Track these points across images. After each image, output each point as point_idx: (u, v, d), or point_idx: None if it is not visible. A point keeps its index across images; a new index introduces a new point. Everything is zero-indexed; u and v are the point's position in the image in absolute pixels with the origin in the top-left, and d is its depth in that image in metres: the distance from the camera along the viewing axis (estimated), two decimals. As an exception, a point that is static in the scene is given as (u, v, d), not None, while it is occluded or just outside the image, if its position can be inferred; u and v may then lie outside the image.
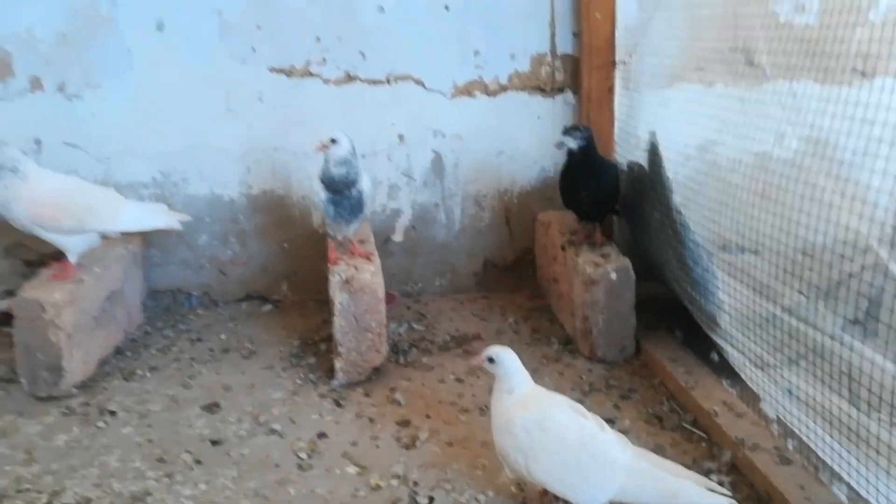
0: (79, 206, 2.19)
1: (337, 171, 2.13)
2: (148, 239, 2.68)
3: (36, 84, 2.56)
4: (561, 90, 2.71)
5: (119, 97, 2.59)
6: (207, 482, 1.78)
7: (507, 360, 1.53)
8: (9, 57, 2.52)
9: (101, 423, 2.06)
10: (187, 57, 2.57)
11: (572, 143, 2.21)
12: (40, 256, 2.75)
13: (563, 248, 2.41)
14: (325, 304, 2.80)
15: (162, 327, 2.68)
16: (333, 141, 2.12)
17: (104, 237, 2.35)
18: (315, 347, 2.49)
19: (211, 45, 2.56)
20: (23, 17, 2.49)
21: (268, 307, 2.84)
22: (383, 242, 2.77)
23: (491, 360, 1.54)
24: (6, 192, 2.07)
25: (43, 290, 2.15)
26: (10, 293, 2.70)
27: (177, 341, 2.57)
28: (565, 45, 2.67)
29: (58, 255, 2.51)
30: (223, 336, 2.60)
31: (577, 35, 2.66)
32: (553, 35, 2.65)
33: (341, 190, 2.15)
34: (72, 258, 2.25)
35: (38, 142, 2.60)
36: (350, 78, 2.64)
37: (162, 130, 2.64)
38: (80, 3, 2.49)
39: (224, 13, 2.53)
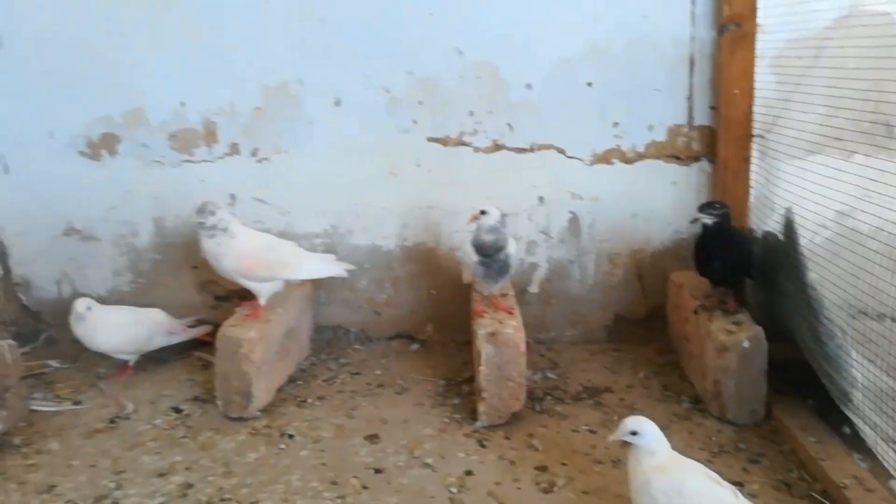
0: (272, 260, 2.62)
1: (487, 238, 2.41)
2: (317, 282, 3.08)
3: (234, 149, 3.05)
4: (697, 159, 2.86)
5: (300, 161, 3.03)
6: (374, 506, 2.10)
7: (649, 432, 1.71)
8: (215, 127, 3.03)
9: (282, 445, 2.44)
10: (358, 128, 2.97)
11: (707, 220, 2.36)
12: (227, 292, 3.25)
13: (695, 312, 2.55)
14: (465, 345, 3.10)
15: (325, 359, 3.08)
16: (483, 212, 2.41)
17: (287, 283, 2.79)
18: (458, 388, 2.77)
19: (379, 118, 2.94)
20: (228, 94, 2.98)
21: (415, 346, 3.17)
22: (520, 293, 3.01)
23: (634, 433, 1.72)
24: (218, 248, 2.52)
25: (240, 329, 2.57)
26: (202, 322, 3.22)
27: (339, 374, 2.95)
28: (702, 118, 2.82)
29: (244, 294, 2.98)
30: (378, 372, 2.95)
31: (714, 108, 2.81)
32: (691, 108, 2.81)
33: (490, 254, 2.43)
34: (262, 301, 2.68)
35: (233, 196, 3.09)
36: (497, 146, 2.93)
37: (333, 190, 3.06)
38: (274, 83, 2.95)
39: (392, 91, 2.91)
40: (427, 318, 3.19)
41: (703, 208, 2.39)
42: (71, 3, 2.91)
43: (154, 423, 2.61)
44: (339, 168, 3.03)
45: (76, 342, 3.28)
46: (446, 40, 2.83)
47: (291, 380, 2.87)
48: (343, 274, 2.86)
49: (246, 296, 3.20)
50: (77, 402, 2.79)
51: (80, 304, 2.84)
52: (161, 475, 2.28)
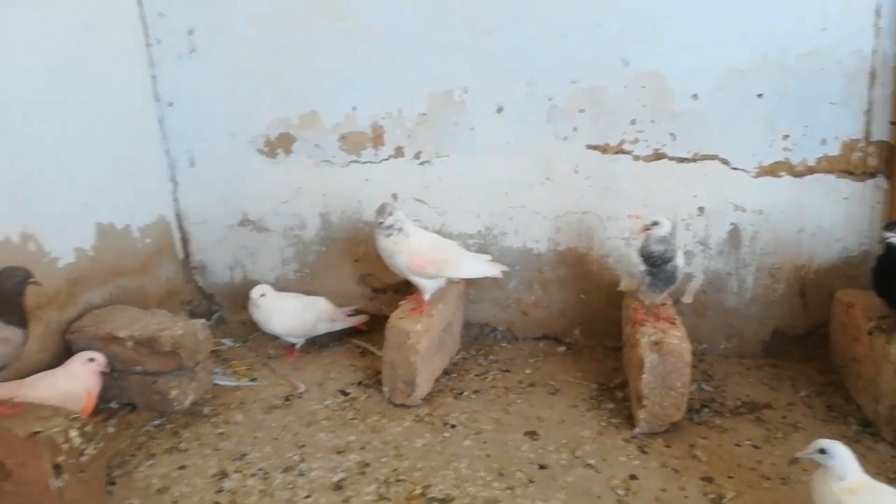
0: (439, 259, 2.77)
1: (656, 249, 2.45)
2: (469, 280, 3.21)
3: (398, 152, 3.23)
4: (872, 175, 2.76)
5: (460, 165, 3.17)
6: (543, 500, 2.19)
7: (841, 454, 1.70)
8: (382, 130, 3.21)
9: (446, 434, 2.58)
10: (518, 134, 3.07)
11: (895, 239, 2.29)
12: (384, 285, 3.45)
13: (870, 333, 2.47)
14: (613, 350, 3.15)
15: (475, 355, 3.21)
16: (655, 223, 2.45)
17: (448, 280, 2.94)
18: (611, 394, 2.82)
19: (539, 125, 3.03)
20: (396, 101, 3.16)
21: (562, 348, 3.25)
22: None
23: (822, 451, 1.72)
24: (393, 246, 2.70)
25: (408, 322, 2.74)
26: (359, 311, 3.43)
27: (490, 370, 3.07)
28: (881, 133, 2.72)
29: (398, 288, 3.17)
30: (528, 371, 3.05)
31: (894, 123, 2.70)
32: (869, 123, 2.72)
33: (658, 265, 2.46)
34: (426, 296, 2.83)
35: (395, 196, 3.27)
36: (658, 155, 2.95)
37: (490, 193, 3.18)
38: (440, 91, 3.10)
39: (554, 99, 2.98)
40: (575, 322, 3.25)
41: (892, 227, 2.32)
42: (259, 15, 3.18)
43: (325, 403, 2.83)
44: (496, 172, 3.14)
45: (243, 323, 3.61)
46: (613, 51, 2.87)
47: (446, 372, 3.02)
48: (498, 274, 2.97)
49: (400, 290, 3.40)
50: (253, 379, 3.06)
51: (256, 292, 3.10)
52: (339, 452, 2.49)
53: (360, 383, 2.98)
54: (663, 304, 2.69)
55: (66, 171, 2.90)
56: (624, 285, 2.75)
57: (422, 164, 3.22)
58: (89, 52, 3.00)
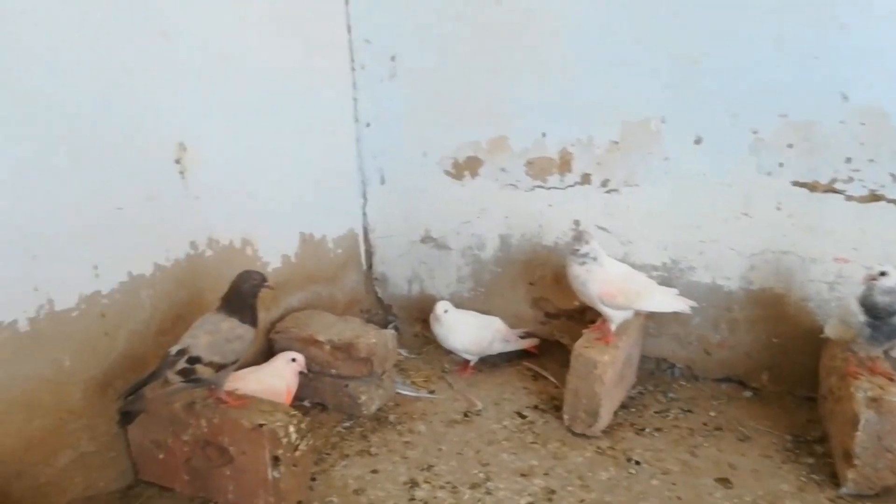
0: (631, 290, 2.74)
1: (881, 300, 2.28)
2: (651, 313, 3.14)
3: (585, 179, 3.24)
4: None
5: (649, 194, 3.12)
6: (745, 553, 2.10)
7: None
8: (570, 157, 3.24)
9: (631, 470, 2.54)
10: (716, 166, 2.97)
11: None
12: (557, 311, 3.46)
13: None
14: (806, 400, 2.95)
15: (653, 391, 3.13)
16: (883, 273, 2.28)
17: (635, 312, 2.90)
18: (809, 447, 2.65)
19: (740, 158, 2.92)
20: (588, 129, 3.17)
21: (748, 393, 3.09)
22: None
23: None
24: (587, 275, 2.71)
25: (595, 352, 2.73)
26: (530, 334, 3.46)
27: (670, 408, 2.98)
28: None
29: (574, 315, 3.16)
30: (712, 413, 2.93)
31: None
32: None
33: (882, 317, 2.29)
34: (613, 326, 2.81)
35: (576, 222, 3.28)
36: (875, 196, 2.74)
37: (680, 224, 3.10)
38: (636, 120, 3.07)
39: (759, 132, 2.87)
40: (762, 366, 3.09)
41: None
42: (458, 43, 3.31)
43: (503, 423, 2.88)
44: (688, 204, 3.06)
45: (416, 335, 3.76)
46: (830, 84, 2.71)
47: (623, 406, 2.97)
48: (686, 310, 2.89)
49: (573, 316, 3.40)
50: (431, 392, 3.18)
51: (440, 307, 3.22)
52: (523, 475, 2.52)
53: (535, 407, 3.00)
54: (878, 358, 2.50)
55: (279, 185, 3.17)
56: (831, 332, 2.58)
57: (609, 192, 3.20)
58: (304, 76, 3.28)
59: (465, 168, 3.47)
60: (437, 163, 3.53)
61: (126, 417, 2.23)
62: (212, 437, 2.34)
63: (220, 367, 2.27)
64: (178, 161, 2.65)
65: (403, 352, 3.57)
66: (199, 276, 2.77)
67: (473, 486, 2.46)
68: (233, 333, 2.29)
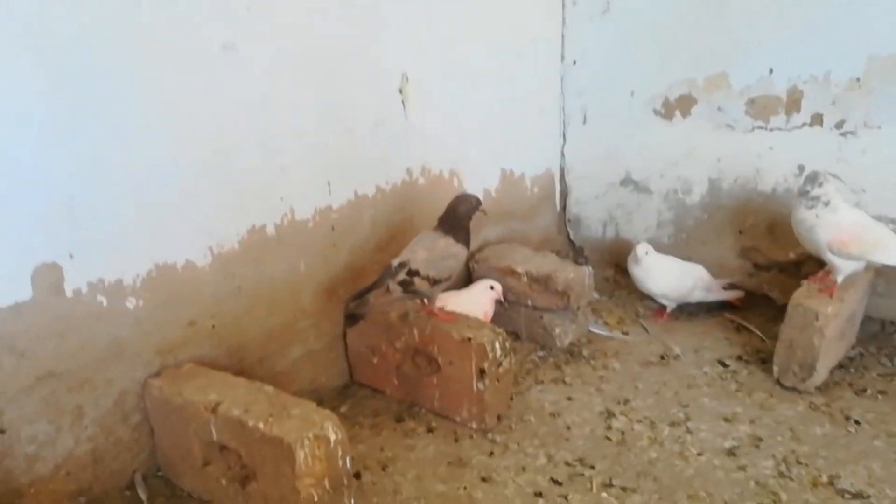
0: (867, 239, 2.49)
1: None
2: (881, 270, 2.84)
3: (815, 120, 2.96)
4: None
5: (893, 137, 2.79)
6: None
7: None
8: (801, 95, 2.97)
9: (850, 429, 2.36)
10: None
11: None
12: (769, 262, 3.24)
13: None
14: None
15: (875, 353, 2.85)
16: None
17: (868, 265, 2.64)
18: None
19: None
20: (825, 64, 2.88)
21: None
22: None
23: None
24: (815, 220, 2.50)
25: (817, 302, 2.53)
26: (734, 286, 3.28)
27: (896, 372, 2.72)
28: None
29: (788, 267, 2.93)
30: (948, 383, 2.63)
31: None
32: None
33: None
34: (839, 278, 2.58)
35: (801, 167, 3.02)
36: None
37: (929, 173, 2.76)
38: (884, 54, 2.74)
39: None
40: None
41: None
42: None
43: (703, 370, 2.79)
44: (943, 150, 2.71)
45: (607, 279, 3.71)
46: None
47: (841, 365, 2.75)
48: (929, 268, 2.58)
49: (787, 269, 3.17)
50: (625, 333, 3.15)
51: (641, 249, 3.15)
52: (726, 420, 2.43)
53: (739, 357, 2.86)
54: None
55: (485, 121, 3.24)
56: None
57: (843, 134, 2.90)
58: (516, 12, 3.30)
59: (676, 107, 3.32)
60: (646, 102, 3.41)
61: (352, 319, 2.45)
62: (422, 346, 2.51)
63: (434, 282, 2.41)
64: (400, 91, 2.80)
65: (595, 294, 3.54)
66: (412, 201, 2.94)
67: (673, 424, 2.42)
68: (448, 251, 2.42)
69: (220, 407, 1.91)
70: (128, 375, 2.09)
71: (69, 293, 1.92)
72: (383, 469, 2.22)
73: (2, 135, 1.73)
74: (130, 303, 2.06)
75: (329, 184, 2.60)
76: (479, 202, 2.48)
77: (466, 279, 3.19)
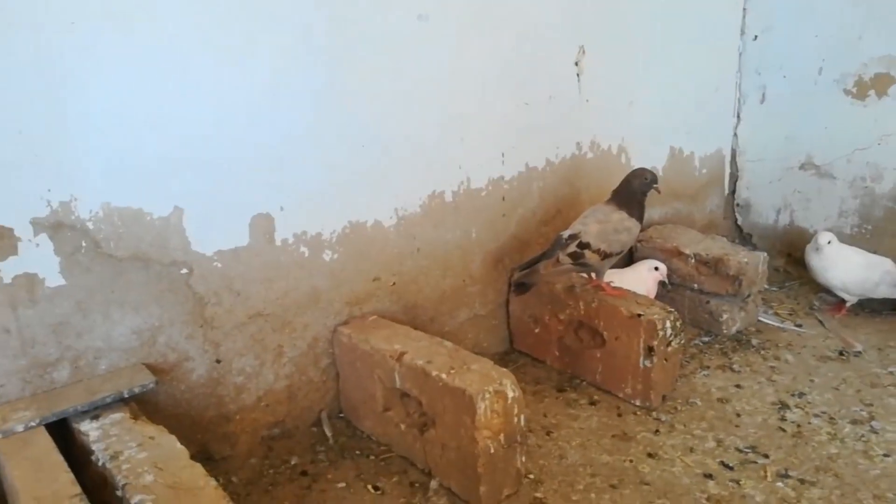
0: None
1: None
2: None
3: None
4: None
5: None
6: None
7: None
8: None
9: None
10: None
11: None
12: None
13: None
14: None
15: None
16: None
17: None
18: None
19: None
20: None
21: None
22: None
23: None
24: None
25: None
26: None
27: None
28: None
29: None
30: None
31: None
32: None
33: None
34: None
35: None
36: None
37: None
38: None
39: None
40: None
41: None
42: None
43: (888, 370, 2.59)
44: None
45: (777, 269, 3.52)
46: None
47: None
48: None
49: None
50: (798, 325, 2.98)
51: (823, 237, 2.96)
52: (919, 424, 2.26)
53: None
54: None
55: (657, 97, 3.17)
56: None
57: None
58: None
59: (871, 87, 3.07)
60: (835, 80, 3.18)
61: (520, 288, 2.51)
62: (587, 319, 2.53)
63: (605, 256, 2.41)
64: (576, 63, 2.81)
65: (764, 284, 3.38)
66: (580, 176, 2.95)
67: (855, 422, 2.28)
68: (621, 225, 2.41)
69: (404, 356, 2.04)
70: (320, 322, 2.28)
71: (278, 242, 2.12)
72: (547, 434, 2.27)
73: (249, 104, 1.94)
74: (327, 255, 2.25)
75: (503, 155, 2.66)
76: (655, 178, 2.44)
77: (627, 259, 3.16)
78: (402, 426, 2.12)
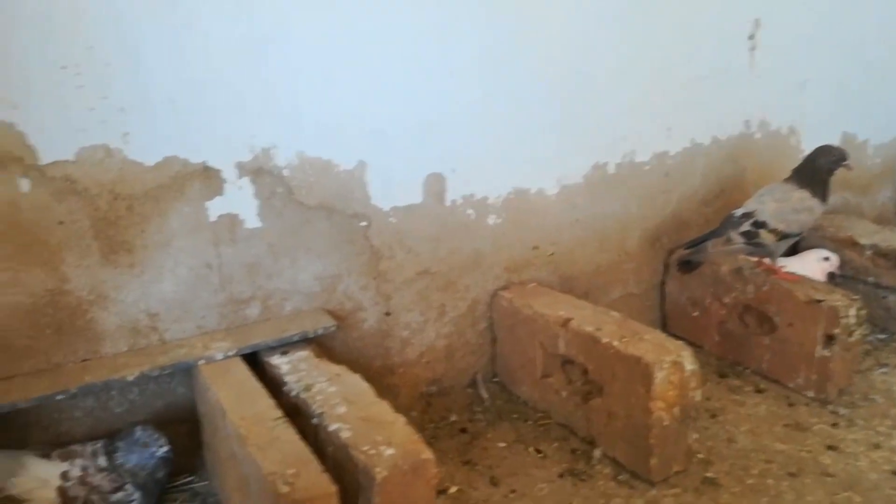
0: None
1: None
2: None
3: None
4: None
5: None
6: None
7: None
8: None
9: None
10: None
11: None
12: None
13: None
14: None
15: None
16: None
17: None
18: None
19: None
20: None
21: None
22: None
23: None
24: None
25: None
26: None
27: None
28: None
29: None
30: None
31: None
32: None
33: None
34: None
35: None
36: None
37: None
38: None
39: None
40: None
41: None
42: None
43: None
44: None
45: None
46: None
47: None
48: None
49: None
50: None
51: None
52: None
53: None
54: None
55: (829, 76, 2.94)
56: None
57: None
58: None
59: None
60: None
61: (685, 266, 2.42)
62: (756, 304, 2.39)
63: (781, 237, 2.27)
64: (751, 37, 2.66)
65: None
66: (746, 156, 2.80)
67: None
68: (802, 205, 2.26)
69: (570, 322, 2.01)
70: (480, 285, 2.29)
71: (448, 202, 2.15)
72: (712, 417, 2.17)
73: (434, 76, 1.98)
74: (491, 219, 2.25)
75: (669, 129, 2.57)
76: (843, 155, 2.27)
77: (793, 248, 2.96)
78: (564, 393, 2.09)
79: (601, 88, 2.35)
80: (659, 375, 1.77)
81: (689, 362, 1.82)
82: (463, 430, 2.10)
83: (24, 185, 1.56)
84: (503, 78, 2.14)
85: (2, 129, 1.50)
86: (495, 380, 2.37)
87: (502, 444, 2.03)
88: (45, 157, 1.56)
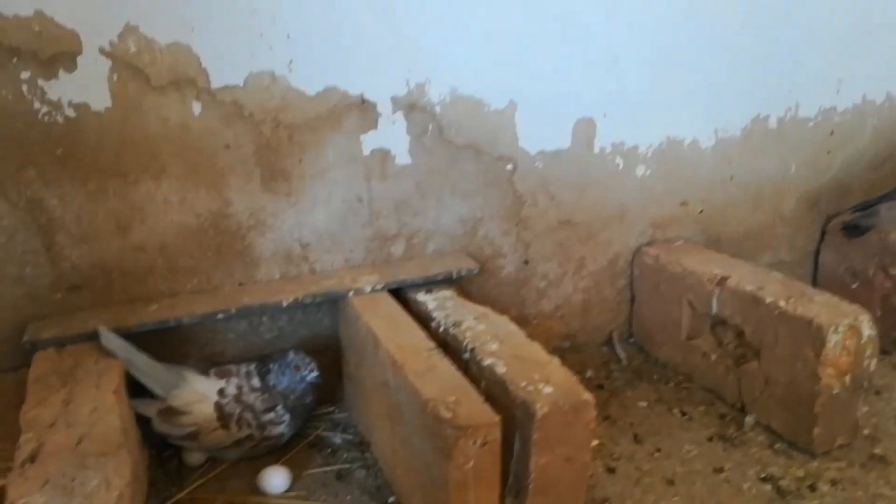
0: None
1: None
2: None
3: None
4: None
5: None
6: None
7: None
8: None
9: None
10: None
11: None
12: None
13: None
14: None
15: None
16: None
17: None
18: None
19: None
20: None
21: None
22: None
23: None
24: None
25: None
26: None
27: None
28: None
29: None
30: None
31: None
32: None
33: None
34: None
35: None
36: None
37: None
38: None
39: None
40: None
41: None
42: None
43: None
44: None
45: None
46: None
47: None
48: None
49: None
50: None
51: None
52: None
53: None
54: None
55: None
56: None
57: None
58: None
59: None
60: None
61: (853, 231, 2.22)
62: (932, 276, 2.16)
63: (972, 202, 2.03)
64: (942, -19, 2.37)
65: None
66: (925, 117, 2.52)
67: None
68: None
69: (727, 281, 1.88)
70: (622, 240, 2.19)
71: (596, 149, 2.06)
72: (876, 394, 1.98)
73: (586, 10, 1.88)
74: (640, 170, 2.14)
75: (839, 81, 2.34)
76: None
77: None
78: (712, 356, 1.97)
79: (765, 34, 2.16)
80: (832, 339, 1.62)
81: (867, 327, 1.65)
82: (600, 387, 2.03)
83: (196, 108, 1.60)
84: (665, 17, 2.00)
85: (181, 50, 1.54)
86: (631, 340, 2.27)
87: (643, 404, 1.94)
88: (216, 81, 1.59)
